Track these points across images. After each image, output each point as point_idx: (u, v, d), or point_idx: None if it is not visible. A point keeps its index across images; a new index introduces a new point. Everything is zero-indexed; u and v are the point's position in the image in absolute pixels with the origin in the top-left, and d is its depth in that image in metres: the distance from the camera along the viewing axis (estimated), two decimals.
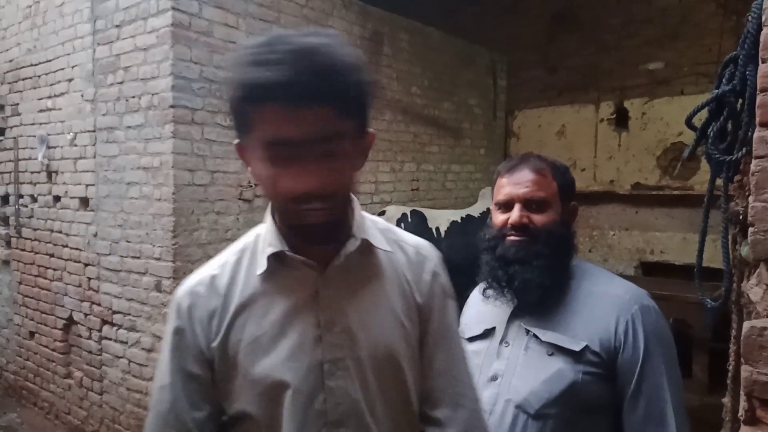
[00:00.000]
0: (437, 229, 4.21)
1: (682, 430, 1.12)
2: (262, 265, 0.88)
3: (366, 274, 0.91)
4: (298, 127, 0.73)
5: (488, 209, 4.55)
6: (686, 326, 3.90)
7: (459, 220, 4.39)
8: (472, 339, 1.33)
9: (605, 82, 5.34)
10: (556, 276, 1.23)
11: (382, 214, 4.06)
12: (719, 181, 1.32)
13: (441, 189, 5.13)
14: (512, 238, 1.24)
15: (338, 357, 0.86)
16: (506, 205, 1.27)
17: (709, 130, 1.33)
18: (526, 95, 5.87)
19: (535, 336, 1.21)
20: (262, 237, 0.91)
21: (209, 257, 3.30)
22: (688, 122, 1.41)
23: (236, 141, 0.84)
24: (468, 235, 4.13)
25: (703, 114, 1.34)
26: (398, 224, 3.95)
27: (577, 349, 1.15)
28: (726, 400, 1.66)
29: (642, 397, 1.13)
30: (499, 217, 1.28)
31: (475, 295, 1.43)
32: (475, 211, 4.64)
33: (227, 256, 0.94)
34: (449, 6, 5.63)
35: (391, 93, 4.49)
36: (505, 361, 1.23)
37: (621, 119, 5.28)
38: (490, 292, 1.30)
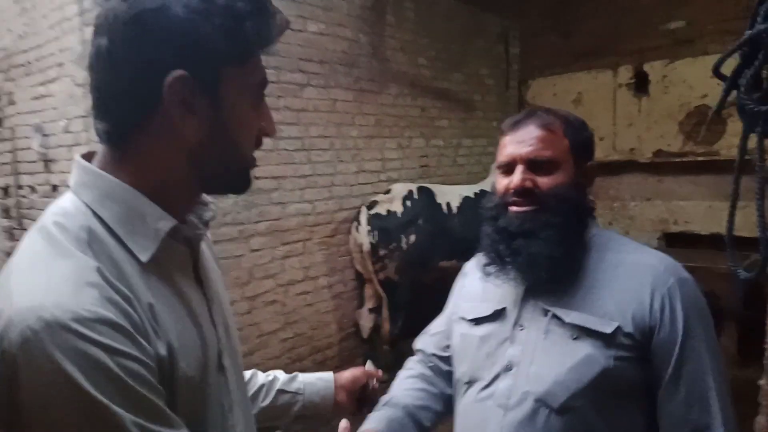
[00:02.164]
0: (448, 204, 4.04)
1: (727, 417, 0.98)
2: (146, 248, 0.68)
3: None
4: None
5: None
6: (715, 298, 3.72)
7: (473, 196, 4.22)
8: (479, 321, 1.16)
9: (623, 45, 5.06)
10: (568, 247, 1.07)
11: (387, 192, 3.91)
12: (752, 141, 1.16)
13: (452, 165, 4.95)
14: (515, 209, 1.08)
15: (222, 333, 0.80)
16: (509, 167, 1.11)
17: (741, 78, 1.15)
18: (540, 63, 5.62)
19: (556, 317, 1.05)
20: (117, 215, 0.67)
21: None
22: (716, 70, 1.23)
23: (179, 72, 0.64)
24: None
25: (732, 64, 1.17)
26: (404, 201, 3.80)
27: (609, 331, 0.99)
28: (763, 382, 1.51)
29: (682, 381, 0.99)
30: (501, 182, 1.12)
31: (476, 270, 1.26)
32: (488, 185, 4.45)
33: (75, 256, 0.63)
34: None
35: (396, 65, 4.30)
36: (521, 347, 1.07)
37: (641, 84, 5.02)
38: (491, 268, 1.13)
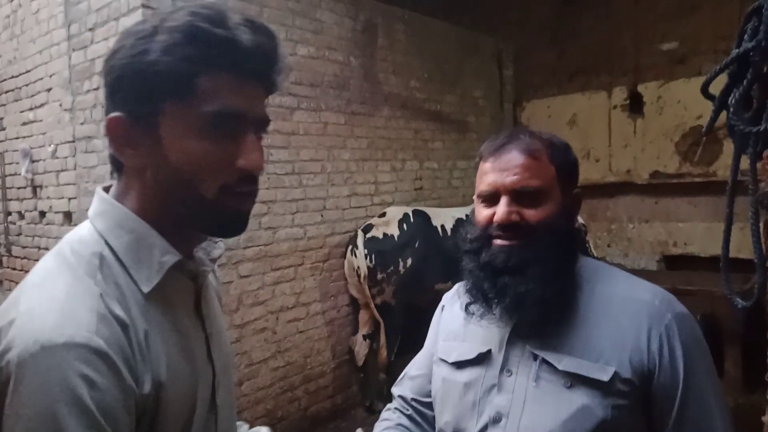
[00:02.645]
0: (442, 226, 3.98)
1: None
2: (150, 279, 0.71)
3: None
4: (251, 101, 0.72)
5: None
6: (715, 321, 3.62)
7: (465, 218, 4.16)
8: (461, 364, 1.07)
9: (618, 64, 5.05)
10: (559, 284, 0.99)
11: (382, 215, 3.85)
12: (745, 162, 1.10)
13: (447, 187, 4.89)
14: (500, 242, 1.00)
15: (219, 370, 0.80)
16: (491, 198, 1.02)
17: (730, 98, 1.10)
18: (535, 83, 5.60)
19: (546, 362, 0.96)
20: (126, 245, 0.71)
21: None
22: (704, 90, 1.18)
23: (113, 115, 0.69)
24: None
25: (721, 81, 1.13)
26: (400, 224, 3.75)
27: (606, 378, 0.92)
28: (767, 418, 1.41)
29: (686, 425, 0.92)
30: (482, 213, 1.03)
31: (455, 304, 1.17)
32: None
33: (83, 281, 0.67)
34: None
35: (388, 87, 4.27)
36: (509, 396, 0.98)
37: (635, 104, 4.98)
38: (474, 308, 1.05)
